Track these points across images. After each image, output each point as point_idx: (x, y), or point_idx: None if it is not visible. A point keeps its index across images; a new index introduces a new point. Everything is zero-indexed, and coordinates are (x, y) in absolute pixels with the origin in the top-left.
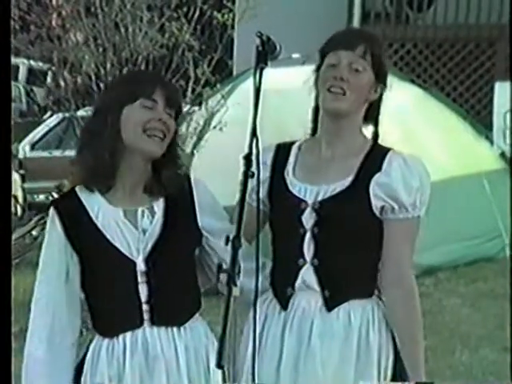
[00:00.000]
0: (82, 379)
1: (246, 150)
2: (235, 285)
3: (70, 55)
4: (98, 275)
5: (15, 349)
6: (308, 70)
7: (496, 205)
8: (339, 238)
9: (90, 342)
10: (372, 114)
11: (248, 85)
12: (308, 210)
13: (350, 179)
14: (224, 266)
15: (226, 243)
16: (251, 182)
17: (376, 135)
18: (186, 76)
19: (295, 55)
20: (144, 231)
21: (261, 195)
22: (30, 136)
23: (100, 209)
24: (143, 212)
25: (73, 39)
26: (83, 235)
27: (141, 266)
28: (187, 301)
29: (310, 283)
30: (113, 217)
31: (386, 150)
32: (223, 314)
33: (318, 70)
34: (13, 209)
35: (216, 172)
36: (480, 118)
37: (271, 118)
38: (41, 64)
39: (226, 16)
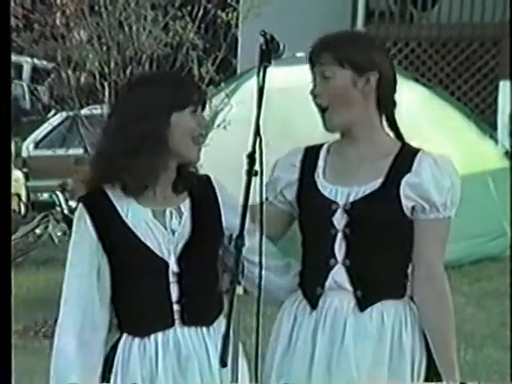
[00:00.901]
0: (112, 378)
1: (250, 149)
2: (239, 283)
3: (74, 54)
4: (128, 275)
5: (19, 346)
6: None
7: (500, 204)
8: (370, 238)
9: (117, 341)
10: (384, 105)
11: (252, 83)
12: (339, 211)
13: (380, 180)
14: (228, 265)
15: (229, 242)
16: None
17: (397, 132)
18: (190, 75)
19: (299, 54)
20: (173, 231)
21: (289, 197)
22: (34, 134)
23: (129, 208)
24: (171, 212)
25: (77, 38)
26: (115, 234)
27: (173, 266)
28: (215, 301)
29: (341, 283)
30: (142, 217)
31: (415, 151)
32: (227, 313)
33: None
34: (16, 207)
35: (220, 170)
36: (484, 116)
37: (275, 116)
38: (45, 63)
39: (230, 15)
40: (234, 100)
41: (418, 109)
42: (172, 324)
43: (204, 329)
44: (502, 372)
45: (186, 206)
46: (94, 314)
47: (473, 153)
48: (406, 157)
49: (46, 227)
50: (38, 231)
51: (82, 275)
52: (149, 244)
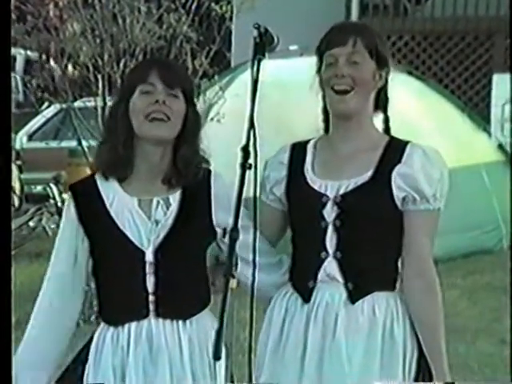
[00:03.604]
0: (87, 367)
1: (244, 142)
2: (233, 276)
3: (67, 46)
4: (106, 262)
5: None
6: (305, 62)
7: (494, 196)
8: (361, 230)
9: (93, 333)
10: (381, 101)
11: (246, 76)
12: (329, 203)
13: (370, 172)
14: (221, 258)
15: (224, 235)
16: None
17: (387, 126)
18: (184, 67)
19: (293, 47)
20: (157, 222)
21: (278, 194)
22: (27, 127)
23: (115, 196)
24: (158, 202)
25: (70, 30)
26: (95, 220)
27: (149, 256)
28: (194, 295)
29: (333, 275)
30: (126, 205)
31: (404, 143)
32: (220, 306)
33: (319, 71)
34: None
35: (213, 163)
36: (478, 109)
37: (269, 109)
38: (38, 54)
39: (224, 8)
40: (227, 93)
41: (412, 102)
42: (146, 315)
43: (180, 322)
44: (495, 366)
45: (175, 197)
46: (64, 296)
47: (467, 146)
48: (395, 149)
49: (40, 220)
50: (31, 224)
51: (62, 260)
52: (127, 233)
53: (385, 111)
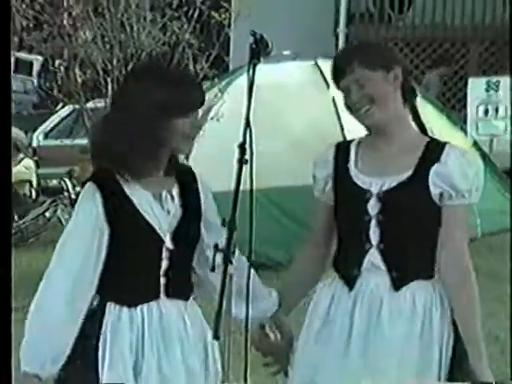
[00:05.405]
0: (100, 344)
1: (241, 139)
2: (231, 263)
3: (79, 52)
4: (127, 250)
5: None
6: (297, 66)
7: None
8: (402, 223)
9: (94, 312)
10: (409, 96)
11: (243, 79)
12: (373, 199)
13: (410, 171)
14: (220, 246)
15: (223, 225)
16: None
17: (423, 126)
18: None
19: (286, 52)
20: (168, 212)
21: (327, 189)
22: (43, 126)
23: (133, 190)
24: (166, 195)
25: (82, 37)
26: (123, 213)
27: (168, 243)
28: (191, 279)
29: (377, 264)
30: (145, 198)
31: (443, 144)
32: (219, 290)
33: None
34: (28, 192)
35: (213, 159)
36: (455, 110)
37: (264, 109)
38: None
39: (223, 16)
40: (226, 94)
41: None
42: (157, 296)
43: (181, 302)
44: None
45: (175, 190)
46: (84, 276)
47: None
48: (433, 149)
49: (55, 211)
50: (47, 214)
51: (84, 238)
52: (151, 222)
53: (414, 108)
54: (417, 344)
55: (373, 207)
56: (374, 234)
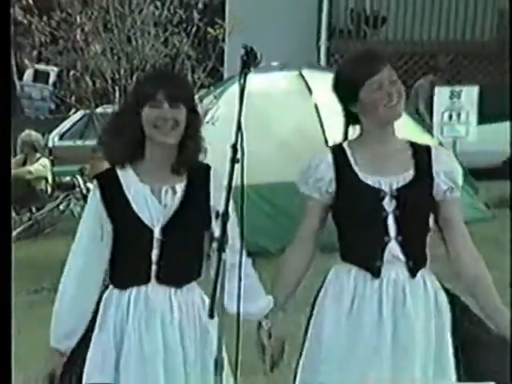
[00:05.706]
0: (96, 325)
1: (233, 141)
2: (224, 251)
3: (90, 63)
4: (122, 238)
5: (41, 302)
6: (284, 75)
7: None
8: (414, 217)
9: (101, 295)
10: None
11: (236, 87)
12: (387, 197)
13: (412, 171)
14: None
15: (216, 217)
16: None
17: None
18: (185, 79)
19: (274, 63)
20: (165, 206)
21: (330, 190)
22: (58, 129)
23: (132, 185)
24: (167, 190)
25: (93, 50)
26: (117, 205)
27: (157, 233)
28: (189, 268)
29: (397, 255)
30: (141, 192)
31: (425, 146)
32: (214, 274)
33: (356, 95)
34: (44, 188)
35: (208, 158)
36: (424, 116)
37: (254, 114)
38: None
39: (217, 31)
40: (221, 101)
41: None
42: (148, 281)
43: (172, 289)
44: None
45: (181, 186)
46: (92, 265)
47: None
48: (421, 151)
49: (68, 204)
50: (61, 207)
51: (92, 232)
52: (141, 215)
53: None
54: (433, 323)
55: (389, 204)
56: (391, 228)
